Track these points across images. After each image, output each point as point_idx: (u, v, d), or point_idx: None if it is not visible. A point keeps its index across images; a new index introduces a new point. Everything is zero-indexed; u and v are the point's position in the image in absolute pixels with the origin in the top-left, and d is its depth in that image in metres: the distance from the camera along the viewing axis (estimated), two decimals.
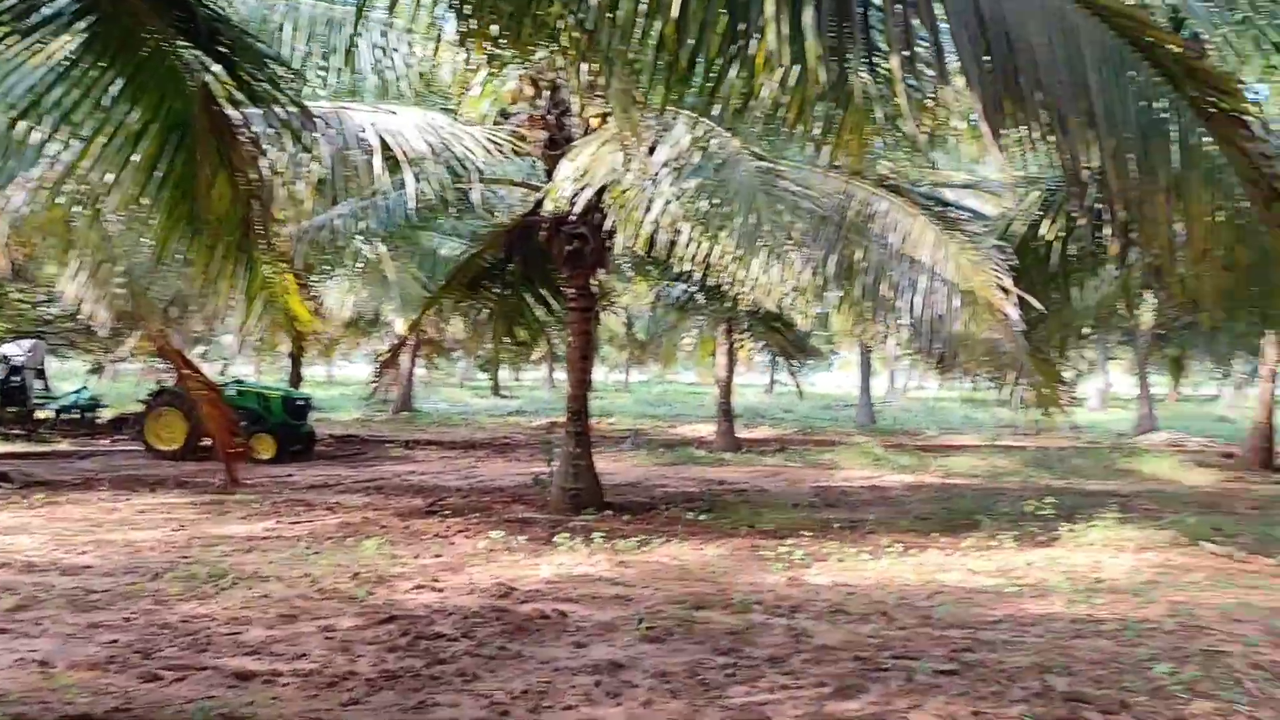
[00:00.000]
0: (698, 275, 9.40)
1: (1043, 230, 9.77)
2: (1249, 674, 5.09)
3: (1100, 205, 4.42)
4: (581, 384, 10.74)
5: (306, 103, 6.81)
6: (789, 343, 19.01)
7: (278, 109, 5.46)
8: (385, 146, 8.44)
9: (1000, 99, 3.24)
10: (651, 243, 8.51)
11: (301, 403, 16.39)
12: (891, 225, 8.56)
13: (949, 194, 14.30)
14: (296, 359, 21.62)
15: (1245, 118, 3.82)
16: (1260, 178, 3.78)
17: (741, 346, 19.45)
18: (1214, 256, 3.81)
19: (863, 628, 5.95)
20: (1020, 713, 4.46)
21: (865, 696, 4.69)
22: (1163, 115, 3.62)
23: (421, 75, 9.56)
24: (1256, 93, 11.47)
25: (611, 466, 14.54)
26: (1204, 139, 3.77)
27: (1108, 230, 8.06)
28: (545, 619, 5.95)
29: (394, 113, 8.86)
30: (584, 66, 4.64)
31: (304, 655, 5.19)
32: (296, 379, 21.04)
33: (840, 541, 8.73)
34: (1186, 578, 7.57)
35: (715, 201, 7.84)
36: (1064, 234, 9.61)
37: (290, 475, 13.15)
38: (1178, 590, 7.12)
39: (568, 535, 8.55)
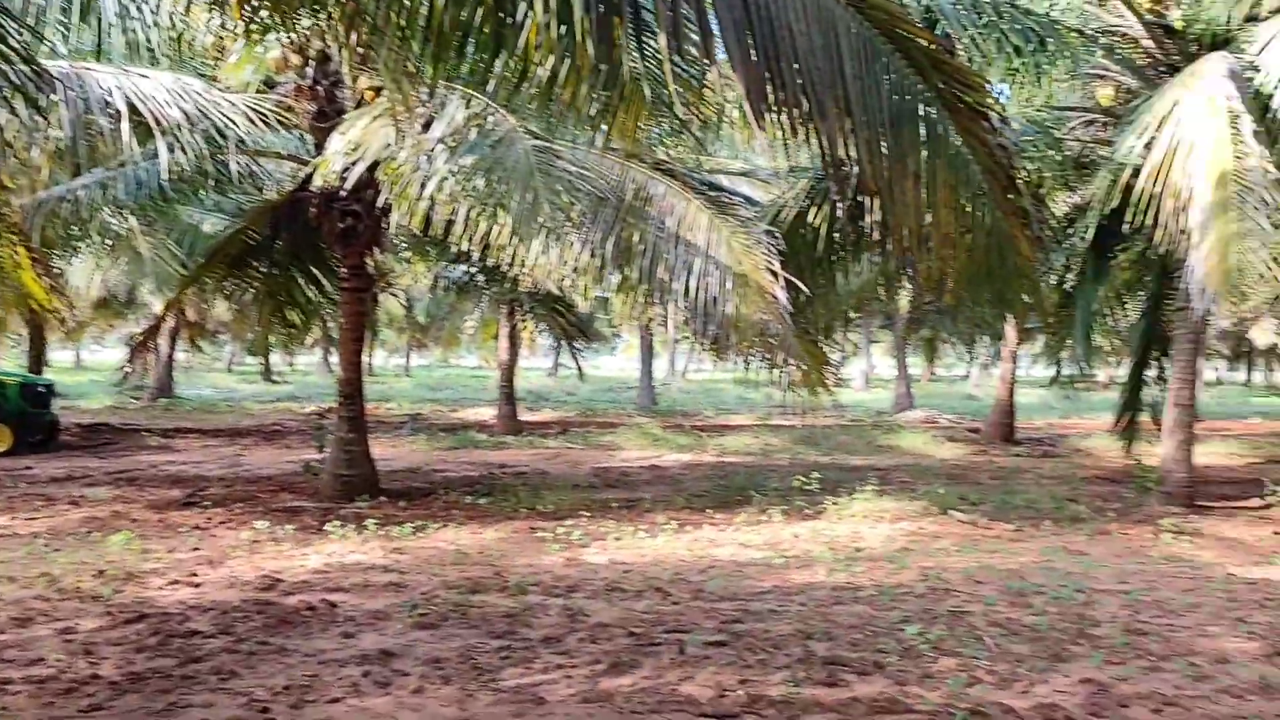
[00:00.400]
0: (477, 256, 9.25)
1: (810, 217, 10.23)
2: (988, 631, 5.50)
3: (860, 193, 4.64)
4: (355, 366, 10.37)
5: (43, 61, 6.22)
6: (571, 325, 19.10)
7: (6, 67, 4.97)
8: (135, 112, 7.85)
9: (763, 83, 3.33)
10: (428, 221, 8.31)
11: (43, 389, 15.02)
12: (668, 209, 8.70)
13: (725, 180, 14.74)
14: (37, 342, 19.84)
15: (987, 112, 4.10)
16: (998, 168, 4.07)
17: (524, 329, 19.37)
18: (957, 241, 4.07)
19: (637, 604, 6.03)
20: (783, 679, 4.64)
21: (638, 671, 4.75)
22: (913, 106, 3.82)
23: (179, 36, 8.92)
24: (1000, 92, 12.37)
25: (389, 452, 14.18)
26: (950, 130, 4.01)
27: (869, 219, 8.49)
28: (312, 610, 5.70)
29: (145, 76, 8.24)
30: (353, 36, 4.43)
31: (39, 660, 4.75)
32: (38, 364, 19.31)
33: (618, 521, 8.84)
34: (936, 544, 8.12)
35: (493, 180, 7.71)
36: (829, 221, 10.08)
37: (29, 468, 12.05)
38: (928, 556, 7.62)
39: (340, 523, 8.24)
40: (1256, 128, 7.80)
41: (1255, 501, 10.64)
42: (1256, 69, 8.74)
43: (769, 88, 3.33)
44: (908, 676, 4.73)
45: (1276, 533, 8.96)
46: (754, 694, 4.44)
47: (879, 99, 3.60)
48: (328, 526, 8.17)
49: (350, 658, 4.87)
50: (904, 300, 20.83)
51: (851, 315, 17.73)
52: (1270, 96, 8.51)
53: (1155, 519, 9.31)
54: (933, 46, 4.08)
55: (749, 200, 11.84)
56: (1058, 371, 15.05)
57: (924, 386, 41.83)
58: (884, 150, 3.59)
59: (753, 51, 3.27)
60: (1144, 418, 12.35)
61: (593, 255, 8.57)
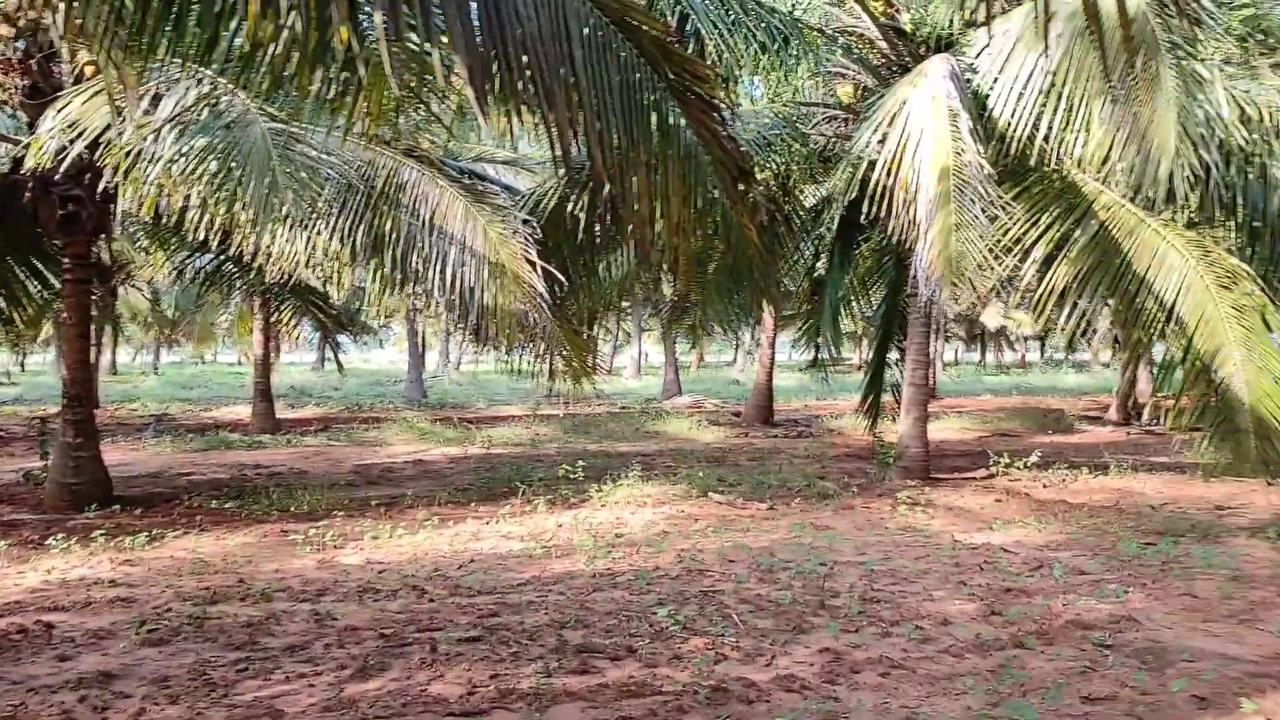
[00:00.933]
0: (218, 244, 8.70)
1: (571, 206, 10.24)
2: (738, 608, 5.67)
3: (593, 183, 4.64)
4: (82, 365, 9.53)
5: None
6: (329, 317, 18.35)
7: None
8: None
9: (488, 68, 3.25)
10: (159, 208, 7.74)
11: None
12: (422, 196, 8.50)
13: (491, 169, 14.56)
14: None
15: (717, 103, 4.19)
16: (728, 159, 4.16)
17: (279, 322, 18.45)
18: (689, 230, 4.15)
19: (391, 604, 5.85)
20: (535, 670, 4.60)
21: (387, 674, 4.60)
22: (644, 96, 3.85)
23: None
24: (755, 85, 12.81)
25: (129, 457, 13.23)
26: (681, 121, 4.07)
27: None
28: (23, 633, 5.19)
29: None
30: (61, 4, 4.02)
31: None
32: None
33: (377, 519, 8.57)
34: (693, 526, 8.32)
35: (229, 164, 7.25)
36: (589, 210, 10.13)
37: None
38: (686, 538, 7.80)
39: (63, 536, 7.56)
40: (973, 125, 8.42)
41: (982, 472, 11.56)
42: (975, 71, 9.46)
43: (494, 72, 3.25)
44: (658, 658, 4.80)
45: (998, 500, 9.76)
46: (504, 688, 4.38)
47: (610, 88, 3.59)
48: (49, 541, 7.48)
49: (64, 682, 4.45)
50: (668, 289, 21.31)
51: (617, 304, 17.93)
52: (986, 97, 9.23)
53: (894, 492, 9.92)
54: (667, 38, 4.12)
55: (510, 189, 11.76)
56: (815, 356, 15.77)
57: (693, 373, 43.16)
58: (615, 140, 3.60)
59: (477, 35, 3.19)
60: (886, 397, 13.15)
61: (342, 244, 8.26)
